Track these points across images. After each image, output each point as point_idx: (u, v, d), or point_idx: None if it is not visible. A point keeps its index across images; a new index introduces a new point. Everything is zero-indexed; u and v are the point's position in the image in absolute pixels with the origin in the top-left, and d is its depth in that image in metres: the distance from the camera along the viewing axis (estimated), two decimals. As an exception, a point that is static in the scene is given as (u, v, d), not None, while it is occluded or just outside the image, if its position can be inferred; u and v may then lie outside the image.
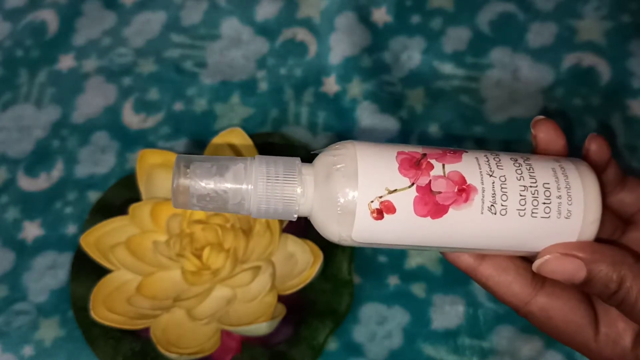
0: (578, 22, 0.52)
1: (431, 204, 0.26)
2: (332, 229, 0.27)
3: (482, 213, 0.27)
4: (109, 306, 0.42)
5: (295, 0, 0.55)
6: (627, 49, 0.50)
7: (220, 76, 0.53)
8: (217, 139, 0.46)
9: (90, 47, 0.55)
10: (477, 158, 0.27)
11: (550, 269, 0.27)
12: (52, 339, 0.45)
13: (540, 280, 0.30)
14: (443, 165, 0.27)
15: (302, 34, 0.54)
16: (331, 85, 0.52)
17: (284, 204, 0.27)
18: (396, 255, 0.46)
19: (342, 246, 0.44)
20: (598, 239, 0.28)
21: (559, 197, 0.27)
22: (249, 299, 0.42)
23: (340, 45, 0.52)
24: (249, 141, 0.45)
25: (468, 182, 0.27)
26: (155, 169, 0.46)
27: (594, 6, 0.52)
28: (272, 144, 0.48)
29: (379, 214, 0.26)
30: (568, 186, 0.27)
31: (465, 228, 0.27)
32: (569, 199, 0.27)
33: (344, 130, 0.50)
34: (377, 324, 0.44)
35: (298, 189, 0.27)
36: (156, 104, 0.52)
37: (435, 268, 0.45)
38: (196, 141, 0.50)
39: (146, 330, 0.42)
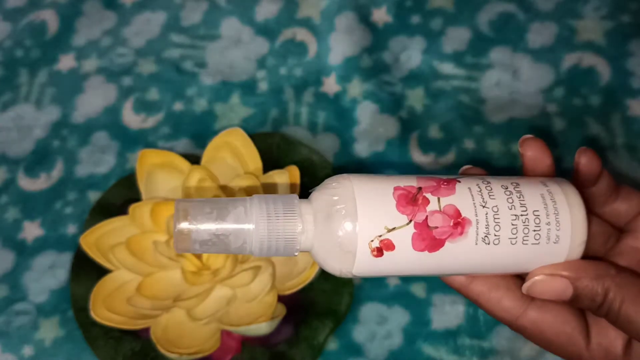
0: (578, 22, 0.52)
1: (428, 239, 0.27)
2: (333, 265, 0.28)
3: (476, 244, 0.28)
4: (109, 306, 0.42)
5: (295, 0, 0.55)
6: (627, 49, 0.50)
7: (220, 76, 0.53)
8: (217, 139, 0.46)
9: (90, 47, 0.55)
10: (469, 188, 0.28)
11: (539, 290, 0.29)
12: (52, 339, 0.45)
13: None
14: (438, 199, 0.28)
15: (302, 34, 0.54)
16: (331, 85, 0.52)
17: (285, 242, 0.28)
18: (396, 255, 0.46)
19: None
20: (586, 254, 0.29)
21: (548, 223, 0.28)
22: (249, 299, 0.42)
23: (340, 45, 0.52)
24: (249, 141, 0.45)
25: (463, 215, 0.28)
26: (155, 169, 0.46)
27: (594, 6, 0.52)
28: (274, 145, 0.48)
29: (379, 252, 0.27)
30: (556, 212, 0.29)
31: (461, 258, 0.28)
32: (557, 224, 0.28)
33: (344, 131, 0.50)
34: (377, 324, 0.44)
35: (299, 226, 0.28)
36: (156, 104, 0.52)
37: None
38: (196, 141, 0.50)
39: (146, 330, 0.42)
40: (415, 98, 0.51)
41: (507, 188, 0.29)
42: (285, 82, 0.52)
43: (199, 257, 0.43)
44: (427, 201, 0.28)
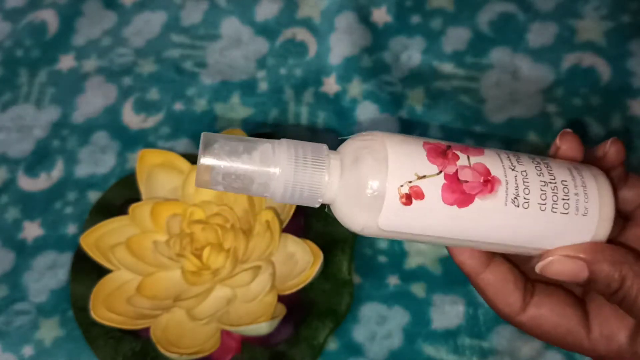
0: (578, 22, 0.52)
1: (458, 192, 0.27)
2: (357, 217, 0.27)
3: (505, 205, 0.27)
4: (109, 306, 0.42)
5: (295, 0, 0.55)
6: (627, 49, 0.50)
7: (220, 76, 0.53)
8: (217, 139, 0.46)
9: (90, 47, 0.55)
10: (498, 154, 0.28)
11: (554, 270, 0.28)
12: (52, 338, 0.45)
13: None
14: (468, 157, 0.27)
15: (302, 34, 0.54)
16: (331, 85, 0.52)
17: (310, 189, 0.26)
18: (396, 255, 0.46)
19: (343, 246, 0.44)
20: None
21: (577, 194, 0.28)
22: (249, 299, 0.42)
23: (340, 45, 0.52)
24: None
25: (492, 173, 0.27)
26: (156, 168, 0.46)
27: (594, 6, 0.52)
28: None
29: (408, 199, 0.26)
30: (584, 184, 0.28)
31: (490, 219, 0.27)
32: (586, 196, 0.28)
33: (344, 131, 0.50)
34: (377, 324, 0.44)
35: (325, 176, 0.27)
36: (156, 104, 0.52)
37: (435, 268, 0.45)
38: (196, 141, 0.50)
39: (146, 330, 0.42)
40: (415, 98, 0.51)
41: (534, 159, 0.28)
42: (285, 82, 0.52)
43: (199, 257, 0.43)
44: (457, 157, 0.27)
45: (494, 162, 0.27)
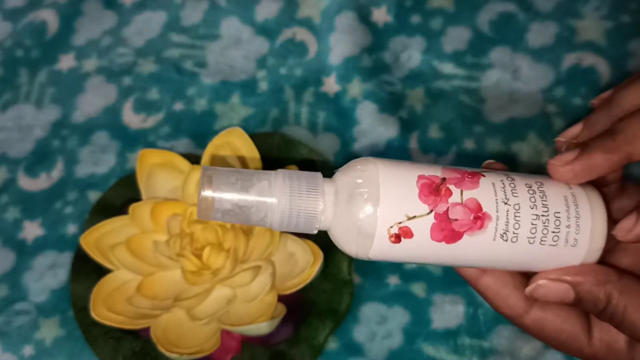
0: (578, 22, 0.52)
1: (447, 230, 0.28)
2: (350, 247, 0.28)
3: (494, 240, 0.28)
4: (109, 306, 0.42)
5: (295, 0, 0.55)
6: (627, 49, 0.50)
7: (220, 76, 0.53)
8: (217, 139, 0.46)
9: (90, 47, 0.55)
10: (493, 184, 0.28)
11: (542, 293, 0.29)
12: (52, 338, 0.45)
13: None
14: (461, 192, 0.28)
15: (302, 34, 0.54)
16: (331, 85, 0.52)
17: (306, 218, 0.28)
18: (396, 255, 0.46)
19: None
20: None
21: (568, 226, 0.28)
22: (249, 298, 0.42)
23: (340, 45, 0.52)
24: (249, 141, 0.45)
25: (484, 209, 0.28)
26: (156, 168, 0.46)
27: (594, 6, 0.52)
28: (274, 145, 0.48)
29: (397, 238, 0.27)
30: (577, 215, 0.29)
31: (477, 252, 0.28)
32: (577, 228, 0.29)
33: (344, 131, 0.50)
34: (377, 324, 0.44)
35: (320, 204, 0.28)
36: (156, 104, 0.52)
37: (435, 268, 0.45)
38: (196, 141, 0.50)
39: (146, 330, 0.42)
40: (415, 98, 0.51)
41: (530, 187, 0.29)
42: (285, 82, 0.52)
43: (199, 257, 0.43)
44: (450, 193, 0.28)
45: (487, 195, 0.28)
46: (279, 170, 0.28)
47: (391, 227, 0.27)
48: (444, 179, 0.28)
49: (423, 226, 0.27)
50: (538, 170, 0.47)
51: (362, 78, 0.51)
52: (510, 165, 0.48)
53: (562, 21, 0.52)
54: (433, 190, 0.28)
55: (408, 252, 0.28)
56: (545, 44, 0.51)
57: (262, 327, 0.41)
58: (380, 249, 0.28)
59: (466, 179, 0.28)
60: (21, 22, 0.57)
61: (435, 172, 0.28)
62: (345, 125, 0.50)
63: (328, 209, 0.28)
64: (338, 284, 0.44)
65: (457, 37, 0.52)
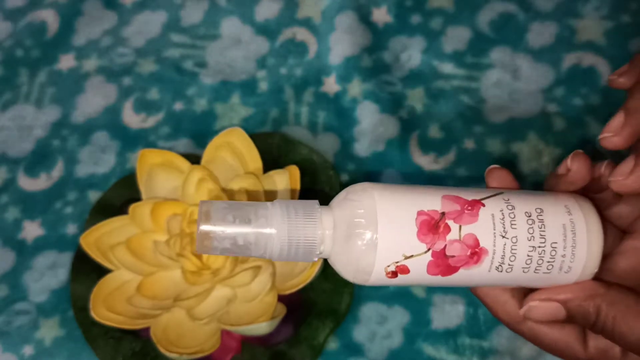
0: (578, 22, 0.52)
1: (443, 266, 0.28)
2: (348, 277, 0.29)
3: (489, 271, 0.28)
4: (109, 306, 0.42)
5: (295, 0, 0.55)
6: (627, 49, 0.50)
7: (220, 76, 0.53)
8: (217, 139, 0.46)
9: (90, 47, 0.55)
10: (492, 215, 0.28)
11: (535, 314, 0.30)
12: (52, 338, 0.45)
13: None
14: (459, 227, 0.28)
15: (302, 34, 0.54)
16: (331, 85, 0.52)
17: (305, 248, 0.28)
18: (396, 255, 0.46)
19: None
20: None
21: (564, 255, 0.29)
22: (249, 298, 0.42)
23: (341, 45, 0.52)
24: (249, 141, 0.45)
25: (481, 244, 0.28)
26: (156, 168, 0.46)
27: (594, 6, 0.52)
28: (274, 145, 0.48)
29: (394, 274, 0.28)
30: (574, 244, 0.29)
31: (471, 281, 0.29)
32: (572, 257, 0.29)
33: (344, 130, 0.50)
34: (377, 324, 0.44)
35: (318, 233, 0.28)
36: (156, 104, 0.52)
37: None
38: (196, 141, 0.50)
39: (146, 330, 0.42)
40: (416, 98, 0.51)
41: (530, 216, 0.29)
42: (285, 82, 0.52)
43: (199, 257, 0.43)
44: (448, 229, 0.28)
45: (486, 228, 0.28)
46: (277, 200, 0.28)
47: (388, 266, 0.28)
48: (443, 214, 0.28)
49: (420, 263, 0.28)
50: (538, 169, 0.47)
51: (362, 78, 0.51)
52: (511, 165, 0.48)
53: (562, 21, 0.52)
54: (432, 227, 0.28)
55: (405, 282, 0.29)
56: (545, 44, 0.51)
57: (262, 327, 0.41)
58: (377, 282, 0.28)
59: (465, 211, 0.28)
60: (21, 22, 0.57)
61: (434, 204, 0.28)
62: (346, 125, 0.50)
63: (327, 237, 0.28)
64: (338, 284, 0.44)
65: (457, 37, 0.52)
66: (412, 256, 0.28)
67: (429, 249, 0.28)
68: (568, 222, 0.29)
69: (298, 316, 0.43)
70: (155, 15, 0.56)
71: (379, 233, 0.27)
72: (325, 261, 0.42)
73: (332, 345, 0.43)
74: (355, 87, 0.51)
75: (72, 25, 0.56)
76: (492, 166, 0.32)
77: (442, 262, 0.28)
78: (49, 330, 0.45)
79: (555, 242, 0.29)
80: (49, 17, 0.56)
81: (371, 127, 0.49)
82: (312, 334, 0.42)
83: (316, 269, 0.42)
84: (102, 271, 0.44)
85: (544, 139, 0.48)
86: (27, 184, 0.50)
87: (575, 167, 0.31)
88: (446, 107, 0.50)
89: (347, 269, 0.29)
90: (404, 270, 0.28)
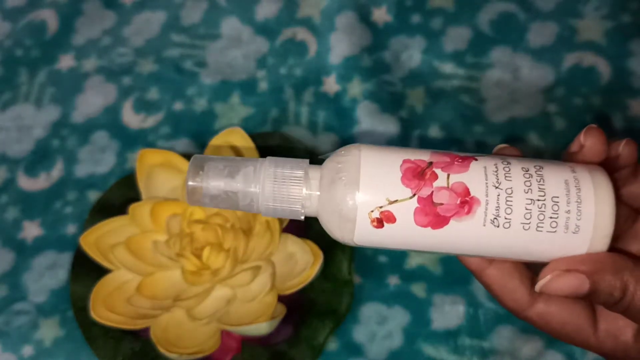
0: (578, 21, 0.52)
1: (432, 215, 0.27)
2: (336, 232, 0.28)
3: (484, 225, 0.27)
4: (109, 306, 0.42)
5: (295, 0, 0.55)
6: (627, 48, 0.50)
7: (220, 76, 0.53)
8: (217, 139, 0.46)
9: (90, 46, 0.55)
10: (485, 167, 0.27)
11: (555, 287, 0.27)
12: (52, 338, 0.45)
13: None
14: (448, 176, 0.27)
15: (302, 34, 0.54)
16: (331, 85, 0.52)
17: (290, 204, 0.28)
18: (396, 255, 0.46)
19: (343, 246, 0.44)
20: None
21: (568, 211, 0.27)
22: (249, 298, 0.42)
23: (341, 45, 0.52)
24: (249, 141, 0.45)
25: (472, 193, 0.27)
26: (155, 168, 0.46)
27: (594, 6, 0.52)
28: (274, 145, 0.48)
29: (379, 222, 0.27)
30: (579, 200, 0.27)
31: (467, 239, 0.27)
32: (579, 214, 0.27)
33: (344, 130, 0.50)
34: (377, 324, 0.44)
35: (303, 190, 0.28)
36: (156, 104, 0.52)
37: (435, 268, 0.45)
38: (196, 141, 0.50)
39: (146, 330, 0.42)
40: (416, 98, 0.51)
41: (527, 170, 0.27)
42: (285, 81, 0.52)
43: (199, 257, 0.43)
44: (435, 176, 0.27)
45: (476, 179, 0.27)
46: (268, 157, 0.29)
47: (372, 211, 0.27)
48: (430, 163, 0.27)
49: (406, 210, 0.27)
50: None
51: (362, 78, 0.51)
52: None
53: (562, 21, 0.52)
54: (417, 174, 0.27)
55: (393, 237, 0.27)
56: (545, 44, 0.51)
57: (262, 327, 0.41)
58: (363, 233, 0.27)
59: (455, 162, 0.27)
60: (21, 22, 0.56)
61: (423, 156, 0.28)
62: (345, 125, 0.50)
63: (313, 195, 0.28)
64: (338, 284, 0.43)
65: (457, 37, 0.52)
66: (396, 201, 0.27)
67: (414, 194, 0.27)
68: (571, 178, 0.27)
69: (298, 316, 0.43)
70: (155, 15, 0.56)
71: (360, 175, 0.27)
72: (325, 261, 0.43)
73: (332, 345, 0.43)
74: (355, 87, 0.51)
75: (71, 25, 0.56)
76: (501, 145, 0.30)
77: (430, 210, 0.27)
78: (49, 331, 0.45)
79: (557, 197, 0.27)
80: (49, 17, 0.56)
81: (371, 127, 0.49)
82: (312, 334, 0.42)
83: (316, 269, 0.42)
84: (101, 271, 0.44)
85: (544, 139, 0.48)
86: (27, 184, 0.50)
87: (590, 142, 0.29)
88: (446, 107, 0.50)
89: (332, 220, 0.28)
90: (390, 217, 0.27)
